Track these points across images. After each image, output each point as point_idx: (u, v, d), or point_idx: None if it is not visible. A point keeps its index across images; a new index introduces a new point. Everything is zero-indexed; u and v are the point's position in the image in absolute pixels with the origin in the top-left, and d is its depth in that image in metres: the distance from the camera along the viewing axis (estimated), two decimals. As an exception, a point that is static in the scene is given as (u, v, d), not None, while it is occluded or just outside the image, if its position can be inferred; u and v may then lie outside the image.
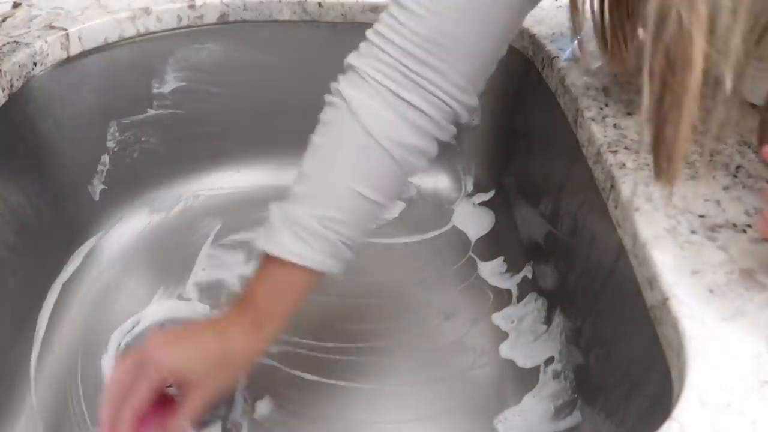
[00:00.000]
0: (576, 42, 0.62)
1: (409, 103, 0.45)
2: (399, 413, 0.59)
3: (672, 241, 0.41)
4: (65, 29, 0.67)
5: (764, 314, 0.36)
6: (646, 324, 0.40)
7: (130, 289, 0.70)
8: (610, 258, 0.48)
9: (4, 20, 0.69)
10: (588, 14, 0.54)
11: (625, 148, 0.50)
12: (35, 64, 0.65)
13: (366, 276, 0.72)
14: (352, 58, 0.48)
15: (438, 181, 0.84)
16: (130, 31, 0.72)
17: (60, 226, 0.71)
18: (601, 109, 0.55)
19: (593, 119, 0.54)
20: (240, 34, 0.78)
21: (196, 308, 0.68)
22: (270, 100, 0.82)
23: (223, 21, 0.76)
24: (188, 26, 0.75)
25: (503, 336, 0.65)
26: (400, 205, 0.82)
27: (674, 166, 0.37)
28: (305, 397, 0.60)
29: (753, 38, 0.35)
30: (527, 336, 0.65)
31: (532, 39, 0.70)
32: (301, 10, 0.77)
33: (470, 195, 0.83)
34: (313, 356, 0.63)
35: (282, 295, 0.49)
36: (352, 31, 0.78)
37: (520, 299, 0.69)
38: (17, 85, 0.63)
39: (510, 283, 0.71)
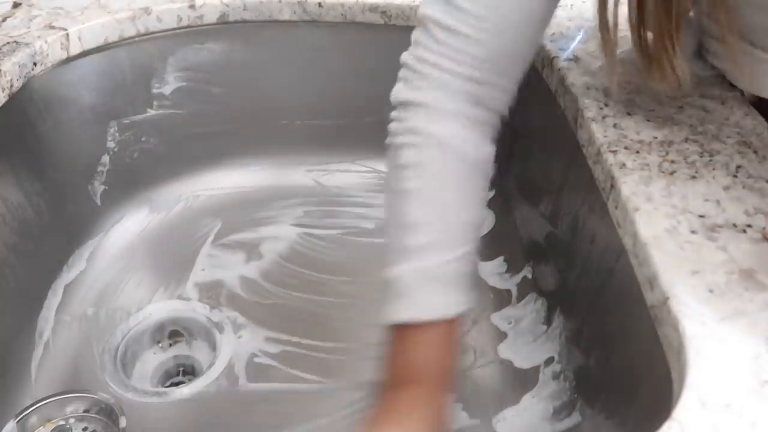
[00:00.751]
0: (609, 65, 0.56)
1: (482, 122, 0.46)
2: (399, 413, 0.59)
3: (672, 241, 0.41)
4: (65, 29, 0.67)
5: (764, 314, 0.36)
6: (646, 324, 0.40)
7: (130, 289, 0.70)
8: (610, 258, 0.48)
9: (4, 20, 0.69)
10: (596, 15, 0.50)
11: (625, 148, 0.50)
12: (35, 64, 0.65)
13: (366, 276, 0.72)
14: (409, 94, 0.46)
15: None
16: (130, 31, 0.72)
17: (60, 226, 0.71)
18: (601, 109, 0.55)
19: (593, 119, 0.53)
20: (240, 34, 0.78)
21: (196, 308, 0.68)
22: (270, 100, 0.82)
23: (223, 21, 0.76)
24: (188, 26, 0.75)
25: (503, 336, 0.65)
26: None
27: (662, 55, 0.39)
28: (305, 397, 0.60)
29: None
30: (527, 336, 0.65)
31: (532, 39, 0.70)
32: (301, 10, 0.77)
33: (470, 195, 0.83)
34: (313, 356, 0.63)
35: (444, 353, 0.45)
36: (352, 31, 0.78)
37: (519, 299, 0.69)
38: (17, 85, 0.63)
39: (510, 283, 0.71)
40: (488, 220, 0.80)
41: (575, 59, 0.63)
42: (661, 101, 0.56)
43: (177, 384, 0.63)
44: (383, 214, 0.48)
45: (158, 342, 0.66)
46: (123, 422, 0.55)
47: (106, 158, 0.76)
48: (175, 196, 0.82)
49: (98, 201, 0.76)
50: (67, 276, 0.70)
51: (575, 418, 0.54)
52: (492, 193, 0.82)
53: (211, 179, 0.84)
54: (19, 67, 0.63)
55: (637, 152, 0.49)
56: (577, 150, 0.56)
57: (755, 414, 0.31)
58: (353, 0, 0.75)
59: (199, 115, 0.80)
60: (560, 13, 0.74)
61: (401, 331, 0.44)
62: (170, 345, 0.66)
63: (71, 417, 0.57)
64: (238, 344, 0.64)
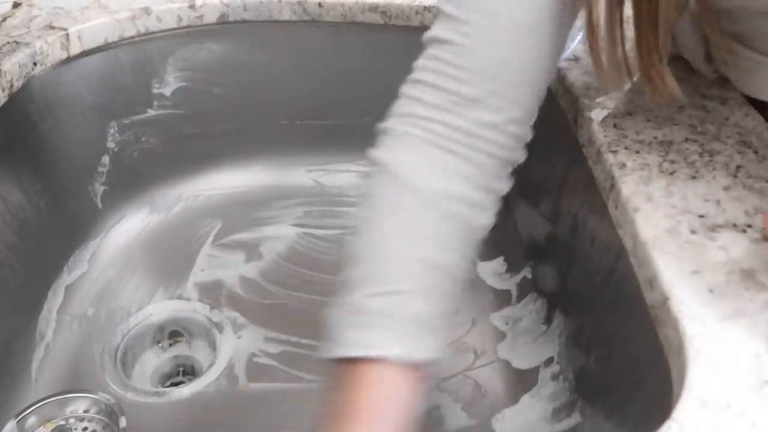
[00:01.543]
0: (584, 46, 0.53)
1: (459, 155, 0.39)
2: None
3: (672, 241, 0.41)
4: (65, 29, 0.67)
5: (764, 314, 0.36)
6: (646, 324, 0.40)
7: (130, 289, 0.70)
8: (610, 258, 0.48)
9: (4, 20, 0.69)
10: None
11: (625, 148, 0.50)
12: (35, 64, 0.65)
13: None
14: (386, 122, 0.42)
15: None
16: (130, 31, 0.72)
17: (60, 226, 0.71)
18: (601, 109, 0.55)
19: (593, 119, 0.53)
20: (240, 34, 0.78)
21: (196, 308, 0.68)
22: (270, 100, 0.82)
23: (223, 21, 0.76)
24: (188, 26, 0.75)
25: (502, 336, 0.65)
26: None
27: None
28: (305, 397, 0.60)
29: None
30: (526, 336, 0.65)
31: (532, 39, 0.70)
32: (301, 10, 0.77)
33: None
34: (313, 356, 0.63)
35: (366, 393, 0.37)
36: (352, 31, 0.78)
37: (519, 299, 0.69)
38: (17, 85, 0.63)
39: (510, 283, 0.71)
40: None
41: (575, 59, 0.63)
42: (661, 101, 0.56)
43: (177, 384, 0.63)
44: None
45: (158, 342, 0.66)
46: (123, 422, 0.55)
47: (106, 158, 0.76)
48: (175, 196, 0.82)
49: (98, 201, 0.76)
50: (67, 276, 0.70)
51: (575, 418, 0.54)
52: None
53: (211, 179, 0.84)
54: (19, 67, 0.63)
55: (637, 152, 0.49)
56: (577, 150, 0.56)
57: (755, 414, 0.31)
58: (353, 0, 0.75)
59: (199, 115, 0.81)
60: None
61: (331, 368, 0.39)
62: (170, 345, 0.66)
63: (71, 417, 0.57)
64: (238, 344, 0.64)
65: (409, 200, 0.39)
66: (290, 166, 0.85)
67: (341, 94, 0.82)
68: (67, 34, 0.67)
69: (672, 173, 0.47)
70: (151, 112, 0.78)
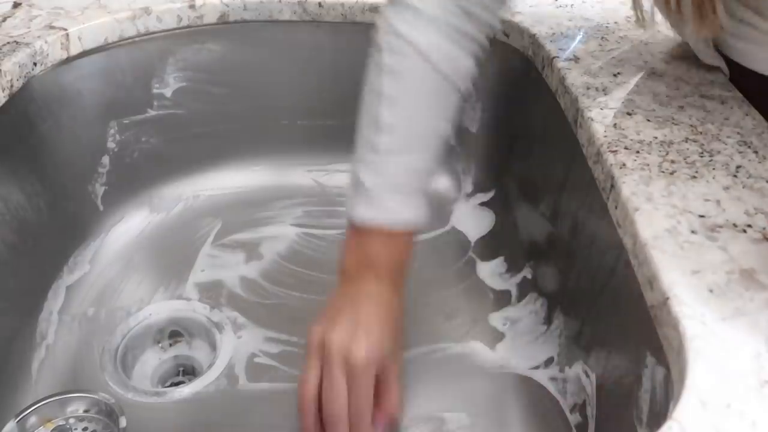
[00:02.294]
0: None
1: (466, 34, 0.48)
2: (399, 413, 0.59)
3: (672, 241, 0.41)
4: (65, 29, 0.67)
5: (764, 314, 0.36)
6: (646, 324, 0.40)
7: (130, 289, 0.70)
8: (610, 258, 0.48)
9: (4, 20, 0.69)
10: None
11: (625, 148, 0.50)
12: (35, 64, 0.65)
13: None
14: None
15: (438, 182, 0.84)
16: (130, 31, 0.72)
17: (60, 227, 0.71)
18: (601, 109, 0.55)
19: (593, 119, 0.54)
20: (240, 34, 0.78)
21: (196, 308, 0.68)
22: (270, 100, 0.82)
23: (223, 21, 0.76)
24: (188, 26, 0.75)
25: (503, 336, 0.65)
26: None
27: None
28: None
29: None
30: (527, 336, 0.65)
31: (532, 39, 0.70)
32: (301, 10, 0.77)
33: (470, 195, 0.83)
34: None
35: (396, 252, 0.50)
36: (352, 31, 0.78)
37: (519, 299, 0.69)
38: (17, 85, 0.63)
39: (510, 283, 0.71)
40: (488, 220, 0.80)
41: (575, 59, 0.64)
42: (661, 101, 0.56)
43: (177, 384, 0.63)
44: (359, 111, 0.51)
45: (158, 342, 0.66)
46: (123, 422, 0.55)
47: (106, 158, 0.76)
48: (175, 196, 0.82)
49: (98, 201, 0.76)
50: (67, 276, 0.70)
51: (575, 418, 0.54)
52: (492, 194, 0.83)
53: (211, 179, 0.84)
54: (19, 67, 0.63)
55: (637, 152, 0.49)
56: (577, 150, 0.56)
57: (755, 414, 0.31)
58: (353, 0, 0.75)
59: (199, 115, 0.81)
60: (560, 13, 0.74)
61: (359, 228, 0.49)
62: (170, 345, 0.66)
63: (71, 417, 0.57)
64: (238, 344, 0.64)
65: (440, 82, 0.47)
66: (290, 166, 0.85)
67: (341, 94, 0.82)
68: (67, 34, 0.67)
69: (672, 173, 0.47)
70: (151, 112, 0.78)
